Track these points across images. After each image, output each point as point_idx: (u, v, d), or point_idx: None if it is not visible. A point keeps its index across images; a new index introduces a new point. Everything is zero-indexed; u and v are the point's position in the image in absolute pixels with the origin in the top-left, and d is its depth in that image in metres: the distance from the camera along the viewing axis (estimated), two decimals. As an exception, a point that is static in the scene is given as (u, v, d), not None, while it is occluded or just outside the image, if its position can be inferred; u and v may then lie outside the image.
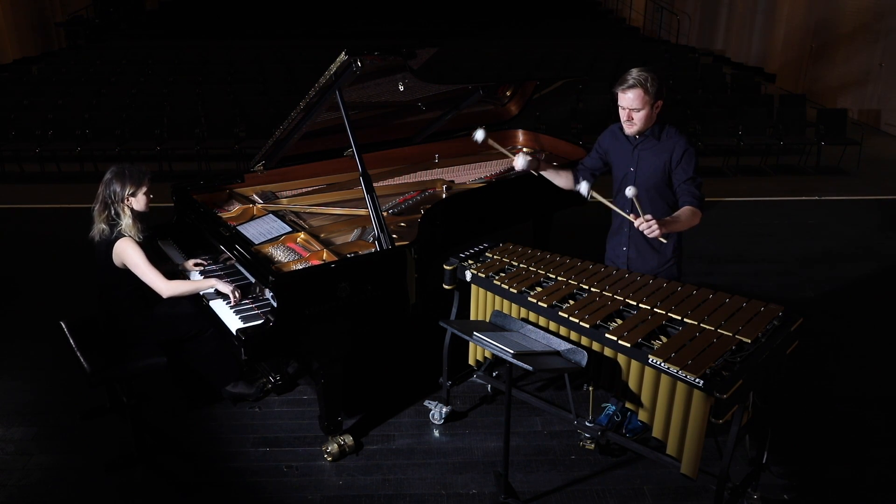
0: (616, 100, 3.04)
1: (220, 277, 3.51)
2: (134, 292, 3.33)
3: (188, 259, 3.67)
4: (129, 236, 3.25)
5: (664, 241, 2.97)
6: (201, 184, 4.06)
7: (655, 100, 2.98)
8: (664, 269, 3.19)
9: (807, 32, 12.03)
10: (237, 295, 3.21)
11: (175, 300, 3.38)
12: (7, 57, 13.12)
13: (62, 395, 3.84)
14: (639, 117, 3.01)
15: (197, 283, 3.34)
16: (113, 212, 3.27)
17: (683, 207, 3.00)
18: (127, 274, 3.29)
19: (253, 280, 3.30)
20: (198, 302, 3.35)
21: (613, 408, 3.40)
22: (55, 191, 7.49)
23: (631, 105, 2.98)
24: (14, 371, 4.09)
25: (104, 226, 3.28)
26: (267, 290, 3.14)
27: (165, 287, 3.25)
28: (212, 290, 3.28)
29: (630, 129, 3.07)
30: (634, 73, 2.96)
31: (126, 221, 3.26)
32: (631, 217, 2.90)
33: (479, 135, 3.48)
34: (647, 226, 2.77)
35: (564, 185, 3.46)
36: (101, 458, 3.34)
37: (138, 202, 3.30)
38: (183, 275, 3.58)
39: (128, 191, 3.25)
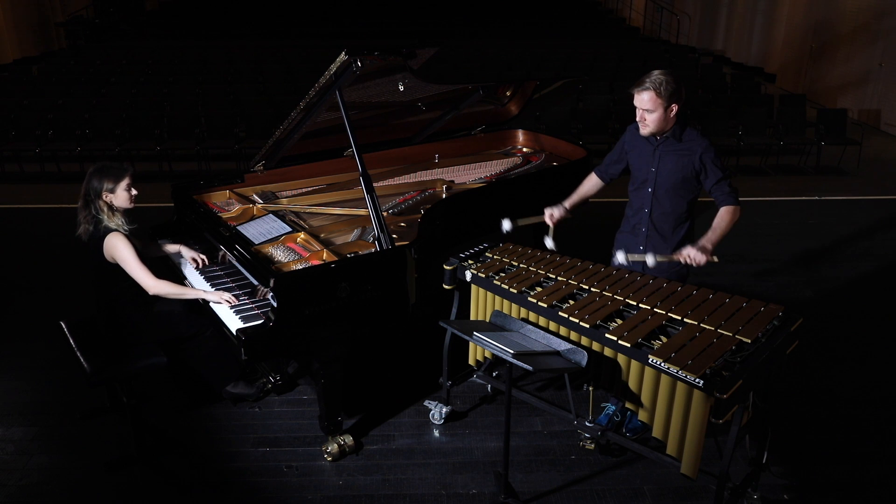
0: (631, 100, 3.07)
1: (218, 279, 3.51)
2: (130, 288, 3.32)
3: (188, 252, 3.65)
4: (116, 230, 3.24)
5: (716, 258, 3.02)
6: (201, 184, 4.06)
7: (669, 103, 2.99)
8: (680, 267, 3.20)
9: (807, 32, 12.03)
10: (231, 299, 3.21)
11: (175, 299, 3.37)
12: (7, 57, 13.11)
13: (62, 395, 3.84)
14: (651, 119, 3.03)
15: (185, 289, 3.33)
16: (94, 208, 3.26)
17: (720, 210, 3.11)
18: (119, 269, 3.28)
19: (253, 280, 3.30)
20: (198, 301, 3.35)
21: (613, 408, 3.40)
22: (55, 191, 7.49)
23: (644, 106, 3.01)
24: (14, 371, 4.09)
25: (88, 224, 3.27)
26: (267, 290, 3.14)
27: (153, 284, 3.24)
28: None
29: (643, 129, 3.10)
30: (654, 75, 2.98)
31: (106, 217, 3.25)
32: (674, 258, 3.06)
33: (507, 225, 3.40)
34: (696, 260, 2.95)
35: (593, 192, 3.52)
36: (101, 458, 3.34)
37: (118, 198, 3.26)
38: (178, 272, 3.57)
39: (105, 186, 3.22)
